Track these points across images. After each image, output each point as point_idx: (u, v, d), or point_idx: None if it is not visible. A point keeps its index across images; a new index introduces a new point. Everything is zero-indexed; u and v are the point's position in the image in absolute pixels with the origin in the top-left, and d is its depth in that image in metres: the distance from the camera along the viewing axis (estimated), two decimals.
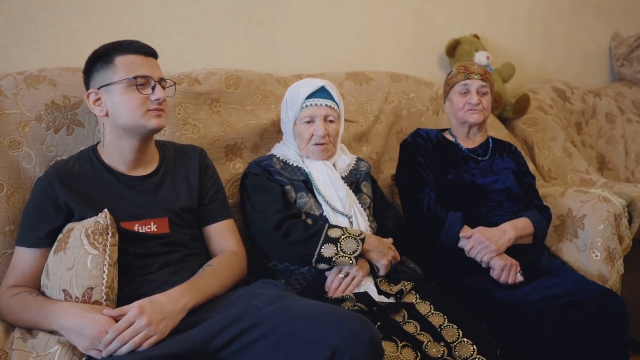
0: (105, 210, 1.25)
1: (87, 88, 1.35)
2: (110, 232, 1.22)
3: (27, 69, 1.60)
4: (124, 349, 1.08)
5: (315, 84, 1.63)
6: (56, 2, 1.72)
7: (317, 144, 1.61)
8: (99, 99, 1.31)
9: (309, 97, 1.62)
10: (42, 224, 1.28)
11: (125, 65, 1.29)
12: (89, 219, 1.25)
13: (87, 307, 1.14)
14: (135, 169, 1.37)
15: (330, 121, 1.63)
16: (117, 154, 1.35)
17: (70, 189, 1.29)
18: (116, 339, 1.08)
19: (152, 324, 1.11)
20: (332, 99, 1.64)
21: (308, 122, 1.61)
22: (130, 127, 1.31)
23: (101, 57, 1.31)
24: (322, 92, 1.63)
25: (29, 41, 1.69)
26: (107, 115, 1.31)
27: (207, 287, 1.26)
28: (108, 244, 1.21)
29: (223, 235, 1.45)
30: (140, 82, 1.29)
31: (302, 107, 1.62)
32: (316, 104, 1.61)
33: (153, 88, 1.31)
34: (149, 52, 1.35)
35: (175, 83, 1.41)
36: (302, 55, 2.23)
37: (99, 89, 1.31)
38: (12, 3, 1.66)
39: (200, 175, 1.46)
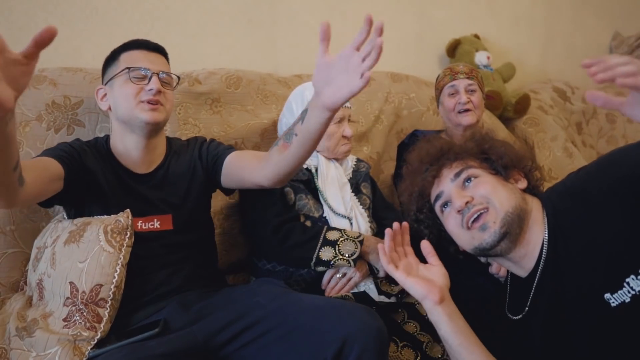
0: (128, 210, 1.25)
1: None
2: (128, 233, 1.23)
3: None
4: None
5: None
6: (57, 2, 1.72)
7: (346, 144, 1.62)
8: (105, 94, 1.35)
9: None
10: (68, 155, 1.24)
11: (126, 60, 1.32)
12: (108, 217, 1.25)
13: None
14: (141, 166, 1.37)
15: (350, 121, 1.65)
16: (123, 150, 1.35)
17: (90, 169, 1.29)
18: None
19: None
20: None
21: (338, 122, 1.61)
22: (126, 118, 1.31)
23: (112, 57, 1.36)
24: None
25: (29, 41, 1.69)
26: (110, 109, 1.35)
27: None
28: (124, 245, 1.21)
29: (242, 156, 1.38)
30: (135, 75, 1.29)
31: None
32: (346, 105, 1.62)
33: (150, 80, 1.31)
34: (152, 47, 1.36)
35: (179, 78, 1.41)
36: (302, 55, 2.22)
37: (105, 85, 1.35)
38: (13, 3, 1.66)
39: (199, 155, 1.44)
